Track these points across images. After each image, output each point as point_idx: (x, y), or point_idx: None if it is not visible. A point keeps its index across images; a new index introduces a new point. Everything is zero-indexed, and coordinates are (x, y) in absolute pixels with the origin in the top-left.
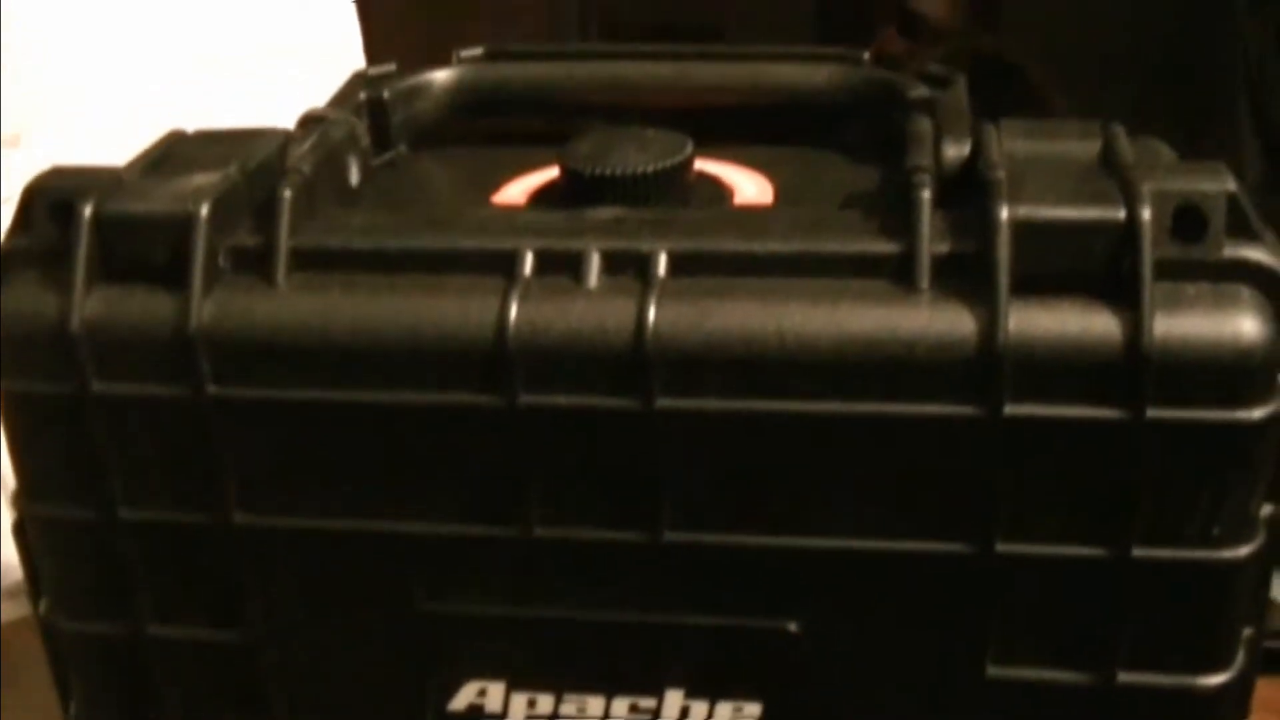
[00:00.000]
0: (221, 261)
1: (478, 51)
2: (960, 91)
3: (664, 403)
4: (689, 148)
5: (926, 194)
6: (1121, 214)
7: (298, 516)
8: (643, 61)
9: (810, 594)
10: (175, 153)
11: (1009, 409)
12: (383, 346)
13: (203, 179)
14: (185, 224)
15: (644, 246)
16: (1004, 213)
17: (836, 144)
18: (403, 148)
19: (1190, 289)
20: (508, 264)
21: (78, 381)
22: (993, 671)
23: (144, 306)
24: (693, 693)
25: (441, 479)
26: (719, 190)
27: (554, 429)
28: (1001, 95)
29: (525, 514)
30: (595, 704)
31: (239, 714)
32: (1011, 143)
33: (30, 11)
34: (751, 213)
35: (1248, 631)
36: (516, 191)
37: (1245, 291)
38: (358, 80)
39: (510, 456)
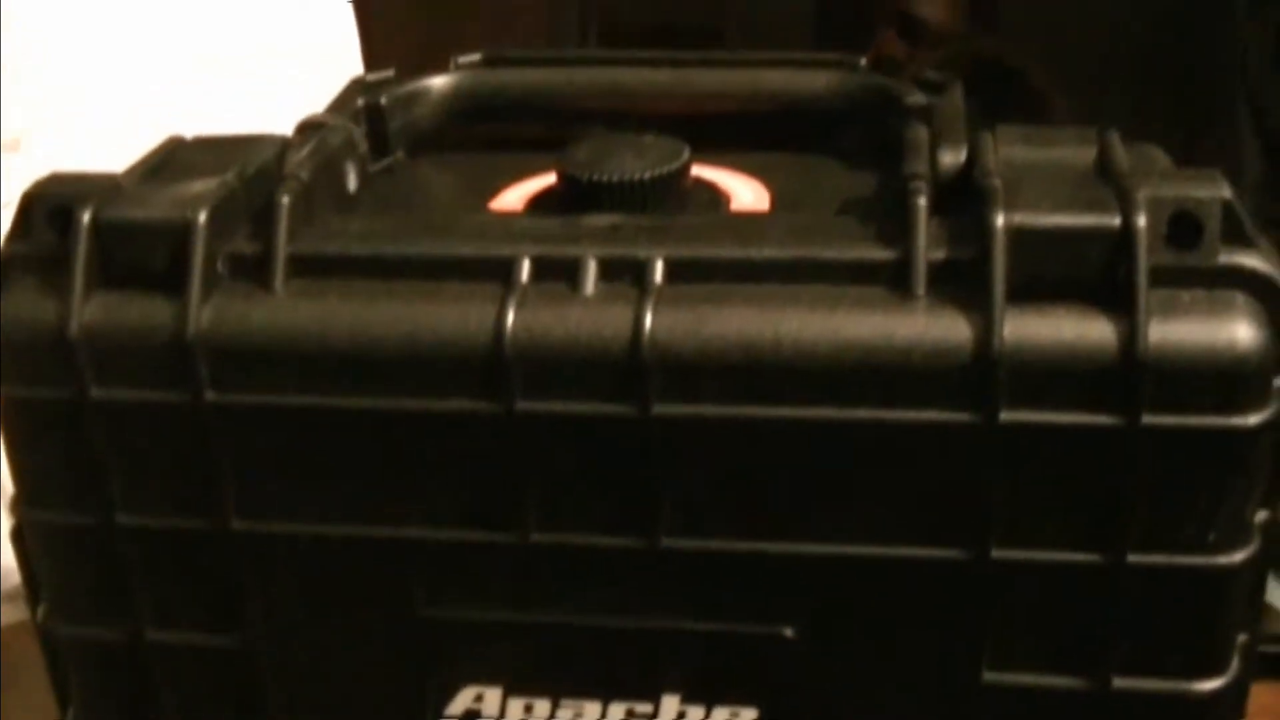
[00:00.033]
0: (220, 267)
1: (475, 57)
2: (956, 98)
3: (661, 409)
4: (686, 154)
5: (923, 201)
6: (1117, 221)
7: (296, 522)
8: (640, 68)
9: (807, 600)
10: (174, 159)
11: (1005, 415)
12: (380, 352)
13: (201, 185)
14: (183, 230)
15: (641, 253)
16: (1000, 220)
17: (833, 150)
18: (400, 153)
19: (1185, 296)
20: (505, 270)
21: (76, 387)
22: (989, 677)
23: (142, 312)
24: (689, 698)
25: (439, 485)
26: (716, 196)
27: (551, 435)
28: (1002, 98)
29: (522, 519)
30: (592, 709)
31: (238, 719)
32: (1007, 149)
33: (30, 12)
34: (748, 219)
35: (1243, 637)
36: (514, 197)
37: (1240, 298)
38: (355, 86)
39: (507, 462)
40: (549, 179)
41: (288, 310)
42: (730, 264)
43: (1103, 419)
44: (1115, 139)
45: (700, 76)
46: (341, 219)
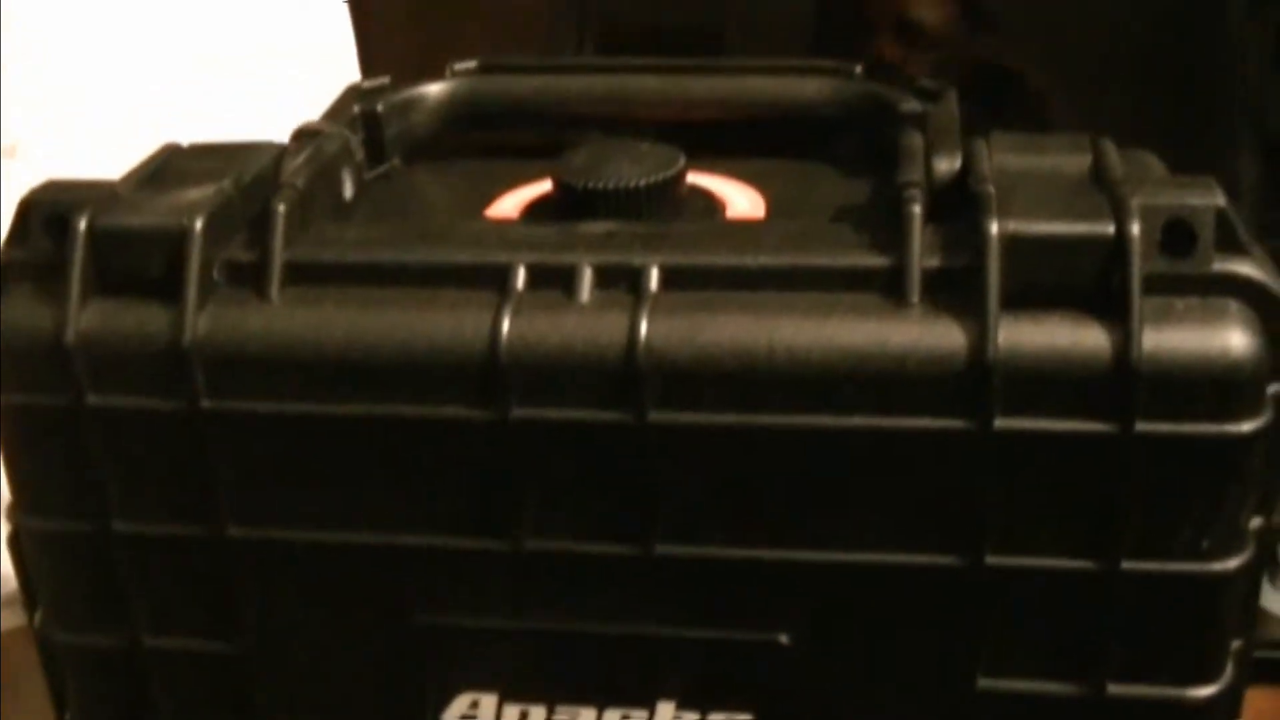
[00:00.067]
0: (216, 275)
1: (471, 64)
2: (951, 105)
3: (656, 416)
4: (681, 161)
5: (917, 209)
6: (1111, 229)
7: (292, 528)
8: (636, 75)
9: (802, 606)
10: (170, 166)
11: (999, 423)
12: (376, 360)
13: (197, 193)
14: (180, 238)
15: (636, 261)
16: (994, 227)
17: (828, 157)
18: (397, 161)
19: (1179, 303)
20: (500, 278)
21: (73, 393)
22: (984, 683)
23: (139, 319)
24: (685, 704)
25: (435, 491)
26: (711, 204)
27: (546, 442)
28: (1001, 101)
29: (518, 526)
30: (587, 716)
31: None
32: (1002, 157)
33: (29, 12)
34: (743, 226)
35: (1237, 643)
36: (510, 205)
37: (1234, 306)
38: (351, 93)
39: (503, 469)
40: (545, 186)
41: (284, 317)
42: (725, 271)
43: (1097, 426)
44: (1109, 146)
45: (695, 84)
46: (337, 226)
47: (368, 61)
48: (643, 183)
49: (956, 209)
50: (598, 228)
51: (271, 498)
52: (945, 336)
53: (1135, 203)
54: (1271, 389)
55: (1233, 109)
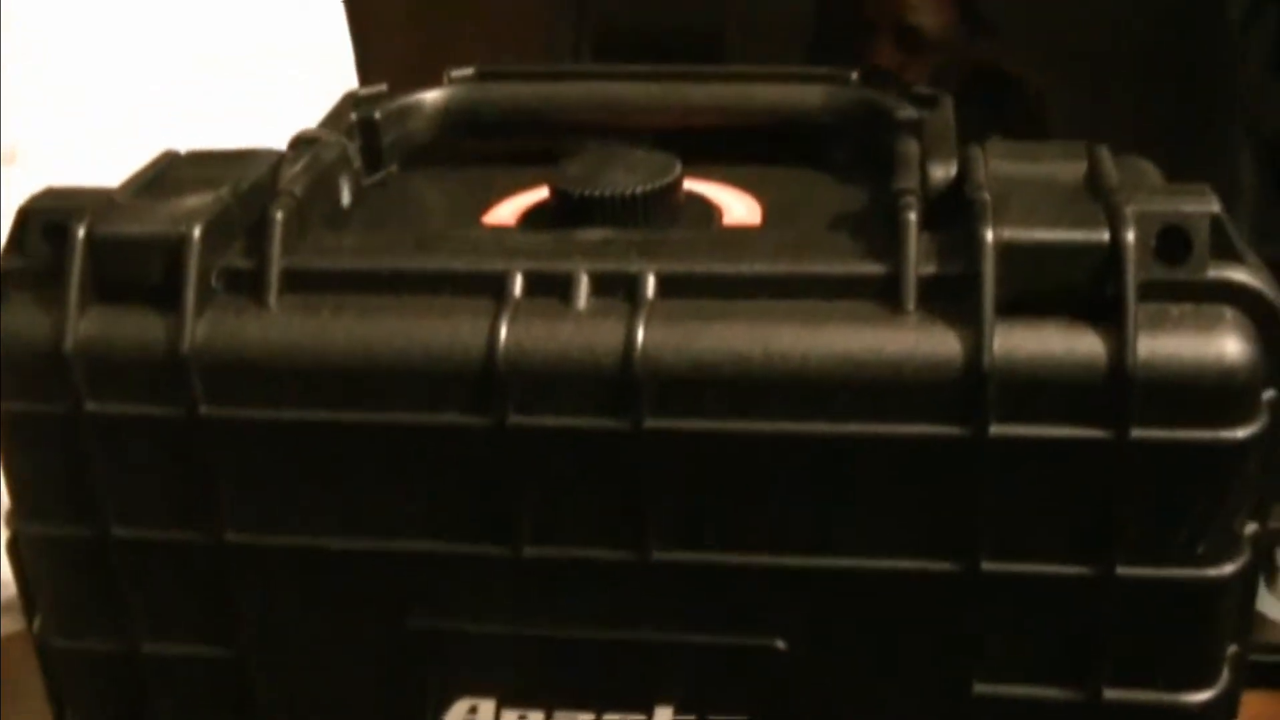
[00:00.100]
0: (214, 282)
1: (468, 72)
2: (947, 112)
3: (652, 423)
4: (677, 168)
5: (913, 216)
6: (1106, 236)
7: (290, 535)
8: (632, 82)
9: (799, 612)
10: (168, 173)
11: (995, 429)
12: (373, 367)
13: (195, 200)
14: (178, 245)
15: (632, 268)
16: (989, 235)
17: (824, 164)
18: (394, 168)
19: (1174, 310)
20: (497, 285)
21: (71, 401)
22: (980, 688)
23: (137, 327)
24: (682, 709)
25: (432, 498)
26: (708, 210)
27: (543, 449)
28: (1000, 105)
29: (516, 533)
30: None
31: None
32: (997, 164)
33: (29, 13)
34: (739, 234)
35: (1233, 648)
36: (507, 212)
37: (1229, 312)
38: (348, 100)
39: (501, 476)
40: (541, 193)
41: (281, 325)
42: (722, 279)
43: (1092, 432)
44: (1105, 153)
45: (692, 91)
46: (335, 234)
47: (365, 63)
48: (639, 190)
49: (952, 216)
50: (594, 235)
51: (270, 504)
52: (941, 343)
53: (1130, 210)
54: (1266, 395)
55: (1231, 113)
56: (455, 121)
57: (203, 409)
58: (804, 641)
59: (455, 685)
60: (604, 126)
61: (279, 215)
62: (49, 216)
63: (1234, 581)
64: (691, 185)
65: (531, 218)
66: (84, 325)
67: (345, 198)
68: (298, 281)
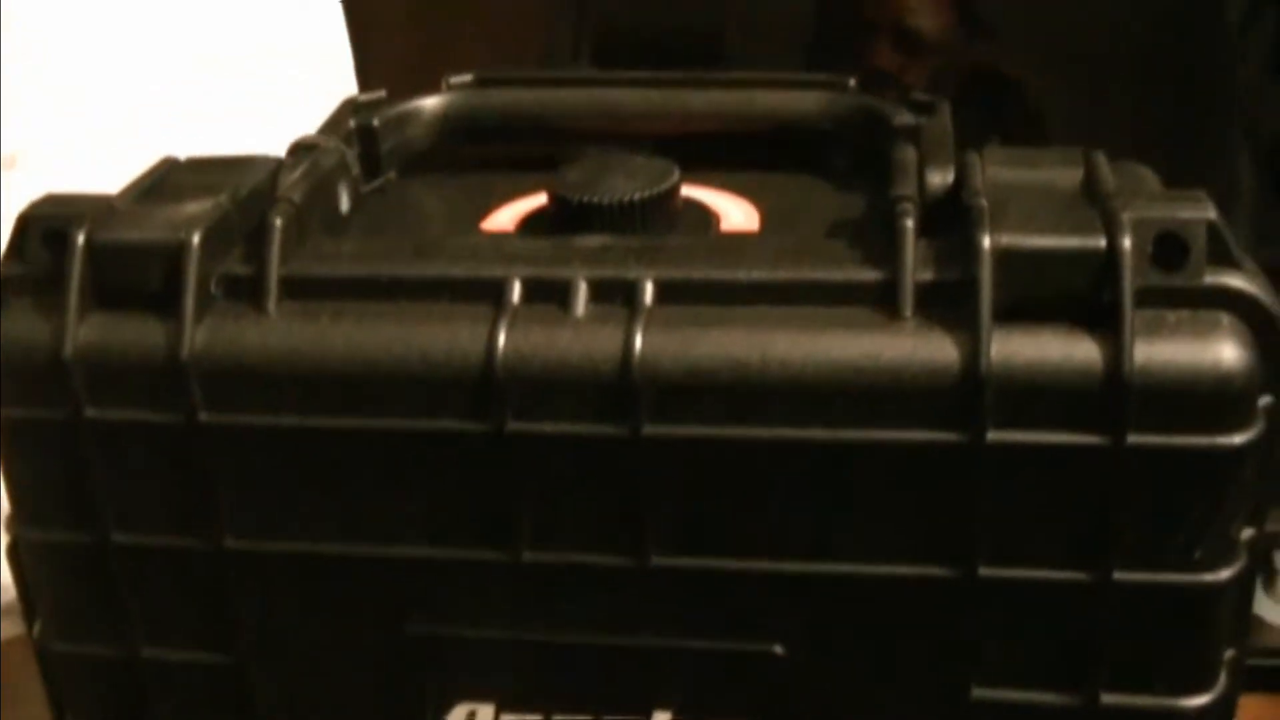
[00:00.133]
0: (213, 289)
1: (467, 78)
2: (945, 118)
3: (650, 429)
4: (676, 175)
5: (910, 223)
6: (1102, 242)
7: (289, 540)
8: (630, 88)
9: (796, 617)
10: (168, 180)
11: (992, 435)
12: (372, 373)
13: (195, 207)
14: (177, 252)
15: (631, 274)
16: (986, 241)
17: (822, 170)
18: (392, 174)
19: (1171, 316)
20: (496, 292)
21: (71, 407)
22: (977, 693)
23: (136, 333)
24: (680, 714)
25: (431, 504)
26: (706, 217)
27: (542, 455)
28: (999, 108)
29: (514, 538)
30: None
31: None
32: (995, 170)
33: (28, 13)
34: (737, 240)
35: (1230, 653)
36: (505, 218)
37: (1225, 318)
38: (347, 107)
39: (499, 482)
40: (540, 200)
41: (280, 331)
42: (719, 286)
43: (1089, 438)
44: (1101, 159)
45: (690, 97)
46: (334, 240)
47: (364, 63)
48: (638, 196)
49: (950, 222)
50: (593, 241)
51: (269, 510)
52: (938, 350)
53: (1127, 216)
54: (1263, 401)
55: (1230, 115)
56: (454, 128)
57: (202, 415)
58: (802, 646)
59: (454, 690)
60: (602, 133)
61: (278, 222)
62: (49, 223)
63: (1231, 586)
64: (690, 191)
65: (530, 224)
66: (84, 331)
67: (344, 204)
68: (297, 288)
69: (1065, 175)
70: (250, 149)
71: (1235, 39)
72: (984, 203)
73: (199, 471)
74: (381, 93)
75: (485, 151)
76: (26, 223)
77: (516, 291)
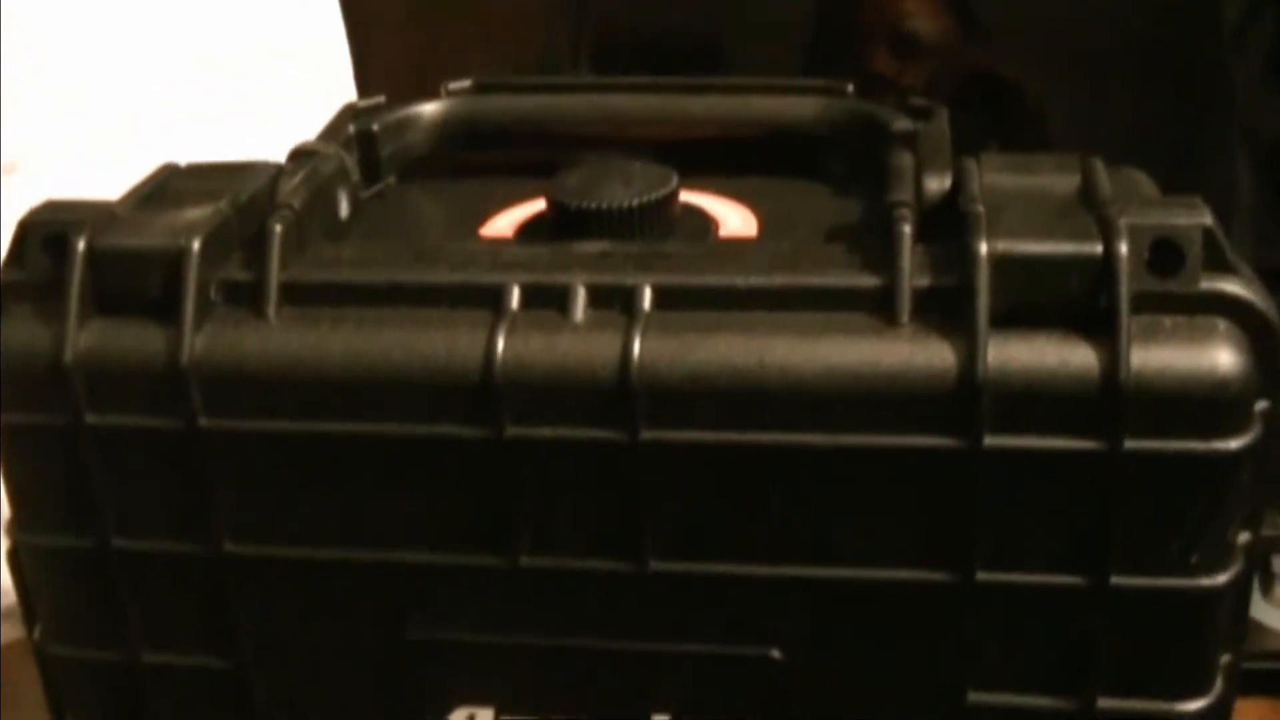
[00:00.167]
0: (213, 295)
1: (466, 84)
2: (942, 124)
3: (649, 435)
4: (674, 181)
5: (907, 229)
6: (1099, 249)
7: (288, 545)
8: (629, 94)
9: (794, 621)
10: (168, 186)
11: (989, 440)
12: (371, 379)
13: (195, 213)
14: (177, 258)
15: (629, 280)
16: (983, 247)
17: (820, 175)
18: (392, 180)
19: (1167, 322)
20: (495, 297)
21: (71, 413)
22: (974, 698)
23: (137, 339)
24: (678, 718)
25: (430, 509)
26: (704, 223)
27: (541, 460)
28: (997, 112)
29: (513, 543)
30: None
31: None
32: (991, 176)
33: (29, 13)
34: (735, 246)
35: (1227, 657)
36: (504, 224)
37: (1221, 324)
38: (347, 113)
39: (498, 487)
40: (538, 206)
41: (280, 337)
42: (718, 291)
43: (1086, 443)
44: (1098, 165)
45: (688, 103)
46: (333, 246)
47: (363, 63)
48: (636, 202)
49: (947, 228)
50: (591, 247)
51: (269, 515)
52: (935, 355)
53: (1123, 222)
54: (1259, 406)
55: (1228, 117)
56: (453, 134)
57: (202, 421)
58: (800, 651)
59: (453, 694)
60: (601, 139)
61: (278, 228)
62: (49, 229)
63: (1227, 591)
64: (688, 197)
65: (529, 230)
66: (84, 337)
67: (343, 210)
68: (296, 294)
69: (1062, 181)
70: (250, 149)
71: (1233, 40)
72: (981, 208)
73: (199, 476)
74: (381, 98)
75: (484, 157)
76: (27, 229)
77: (515, 297)
